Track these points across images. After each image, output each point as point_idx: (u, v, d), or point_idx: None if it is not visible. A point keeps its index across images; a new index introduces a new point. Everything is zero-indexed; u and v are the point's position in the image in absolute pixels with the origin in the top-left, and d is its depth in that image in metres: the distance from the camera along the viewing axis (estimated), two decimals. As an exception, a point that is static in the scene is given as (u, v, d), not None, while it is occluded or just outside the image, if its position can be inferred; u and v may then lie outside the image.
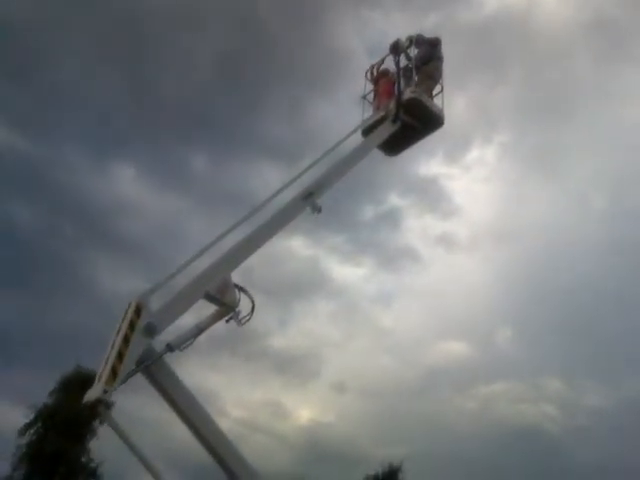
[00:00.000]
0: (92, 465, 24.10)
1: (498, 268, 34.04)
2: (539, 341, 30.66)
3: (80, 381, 25.10)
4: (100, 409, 6.06)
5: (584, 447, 26.46)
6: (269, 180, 31.35)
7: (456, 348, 34.10)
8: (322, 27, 32.45)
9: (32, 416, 23.95)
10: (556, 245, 31.93)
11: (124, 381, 6.23)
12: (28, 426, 23.74)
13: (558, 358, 29.31)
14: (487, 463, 25.47)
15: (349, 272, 37.78)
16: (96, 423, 24.54)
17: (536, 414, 29.72)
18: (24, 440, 23.56)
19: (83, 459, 24.09)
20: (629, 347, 27.55)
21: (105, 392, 5.90)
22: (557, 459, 26.20)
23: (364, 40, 33.66)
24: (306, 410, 32.23)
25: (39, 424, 23.99)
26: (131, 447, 6.37)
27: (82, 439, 24.14)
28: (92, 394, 5.96)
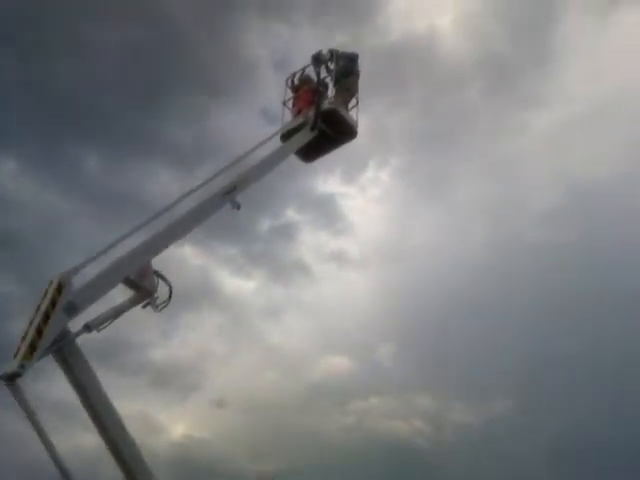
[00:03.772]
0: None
1: (385, 287, 35.49)
2: (414, 358, 32.37)
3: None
4: (12, 385, 5.94)
5: (449, 459, 28.27)
6: (164, 184, 30.53)
7: (339, 363, 35.03)
8: (229, 35, 32.36)
9: None
10: (440, 267, 33.91)
11: (38, 358, 6.15)
12: None
13: (431, 376, 31.12)
14: (358, 476, 26.43)
15: (239, 284, 37.55)
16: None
17: (407, 428, 31.31)
18: None
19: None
20: (494, 370, 29.87)
21: (22, 366, 5.82)
22: (425, 470, 27.76)
23: (271, 52, 34.05)
24: (181, 425, 31.51)
25: None
26: (36, 428, 6.24)
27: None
28: (9, 368, 5.84)
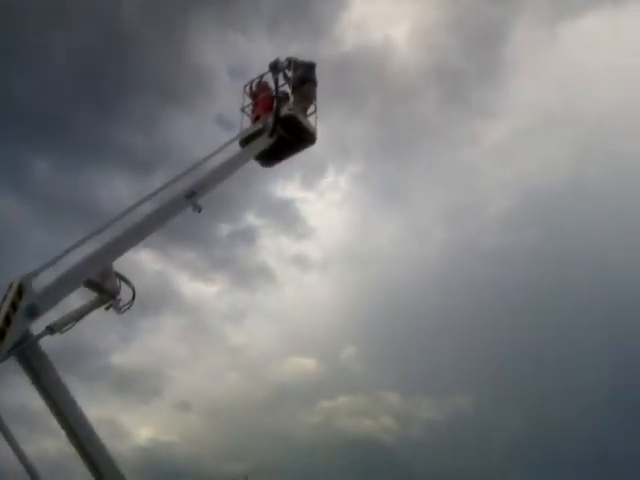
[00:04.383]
0: None
1: (346, 290, 35.93)
2: (380, 359, 32.82)
3: None
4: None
5: (416, 454, 28.70)
6: (118, 190, 30.17)
7: (304, 365, 35.19)
8: (186, 43, 32.32)
9: None
10: (399, 270, 34.57)
11: (0, 361, 6.12)
12: None
13: (396, 375, 31.61)
14: (326, 474, 26.67)
15: (201, 289, 37.43)
16: None
17: (375, 426, 31.65)
18: None
19: None
20: (459, 366, 30.58)
21: (-16, 369, 5.78)
22: (392, 466, 28.13)
23: (227, 61, 34.28)
24: (146, 430, 31.05)
25: None
26: (2, 430, 6.22)
27: None
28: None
